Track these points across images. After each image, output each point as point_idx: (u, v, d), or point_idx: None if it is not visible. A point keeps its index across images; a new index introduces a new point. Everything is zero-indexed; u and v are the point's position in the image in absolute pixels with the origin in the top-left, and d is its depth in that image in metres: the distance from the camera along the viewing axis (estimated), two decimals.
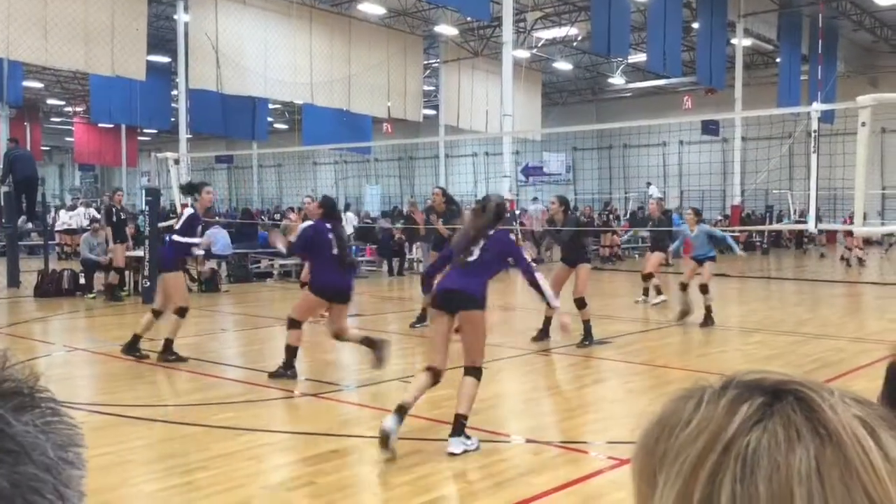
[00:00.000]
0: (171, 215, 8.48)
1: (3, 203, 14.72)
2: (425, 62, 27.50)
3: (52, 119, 40.67)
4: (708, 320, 10.31)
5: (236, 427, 5.49)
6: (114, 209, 14.15)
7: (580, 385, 7.36)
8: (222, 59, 19.72)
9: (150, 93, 24.65)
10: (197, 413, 5.94)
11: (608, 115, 33.70)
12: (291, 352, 7.11)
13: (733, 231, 17.16)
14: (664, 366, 7.82)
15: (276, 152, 33.48)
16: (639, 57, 25.60)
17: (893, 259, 24.00)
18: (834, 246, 27.86)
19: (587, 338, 8.81)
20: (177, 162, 14.04)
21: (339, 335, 7.25)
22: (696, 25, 23.90)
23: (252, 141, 29.39)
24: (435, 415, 5.57)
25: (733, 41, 25.76)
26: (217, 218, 19.60)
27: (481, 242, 5.28)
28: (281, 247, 7.68)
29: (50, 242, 16.01)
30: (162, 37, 24.46)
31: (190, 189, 8.68)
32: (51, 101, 37.76)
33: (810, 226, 8.73)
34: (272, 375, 7.07)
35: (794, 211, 27.15)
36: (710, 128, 25.53)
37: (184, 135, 20.89)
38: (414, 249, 19.22)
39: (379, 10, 24.21)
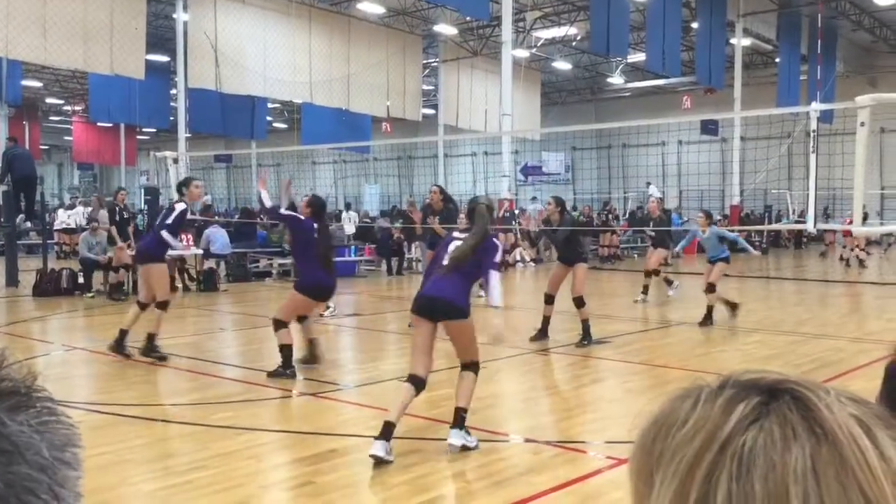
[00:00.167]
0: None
1: (1, 202, 14.71)
2: (424, 61, 27.50)
3: (51, 118, 40.64)
4: (707, 320, 10.32)
5: (235, 426, 5.49)
6: (117, 208, 14.12)
7: (579, 385, 7.36)
8: (221, 58, 19.72)
9: (149, 92, 24.64)
10: (196, 412, 5.94)
11: (607, 115, 33.70)
12: (287, 350, 7.14)
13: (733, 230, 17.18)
14: (663, 365, 7.82)
15: (275, 151, 33.45)
16: (638, 57, 25.61)
17: (892, 259, 24.01)
18: (834, 246, 27.85)
19: (586, 337, 8.81)
20: (176, 161, 14.05)
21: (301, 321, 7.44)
22: (695, 25, 23.91)
23: (251, 140, 29.38)
24: (434, 414, 5.57)
25: (732, 41, 25.77)
26: (216, 217, 19.58)
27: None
28: (264, 194, 7.66)
29: (49, 242, 15.97)
30: (161, 36, 24.44)
31: (179, 186, 8.70)
32: (50, 100, 37.74)
33: (809, 226, 8.74)
34: (271, 375, 7.09)
35: (793, 211, 27.17)
36: (709, 127, 25.55)
37: (183, 134, 20.88)
38: (413, 249, 19.21)
39: (378, 10, 24.21)
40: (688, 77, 27.11)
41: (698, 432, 0.53)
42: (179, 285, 14.72)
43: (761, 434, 0.51)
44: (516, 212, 21.86)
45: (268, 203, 7.61)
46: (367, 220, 23.80)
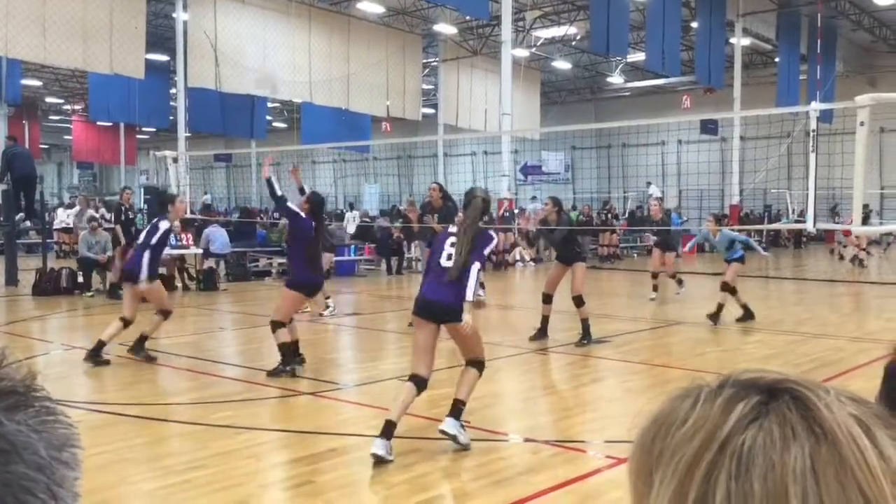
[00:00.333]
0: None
1: (1, 201, 14.71)
2: (424, 61, 27.49)
3: (51, 117, 40.63)
4: (715, 318, 10.32)
5: (235, 425, 5.49)
6: (123, 208, 14.10)
7: (578, 384, 7.36)
8: (221, 57, 19.71)
9: (149, 91, 24.63)
10: (195, 411, 5.94)
11: (607, 115, 33.69)
12: (285, 348, 7.18)
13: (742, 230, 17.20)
14: (662, 365, 7.82)
15: (274, 151, 33.40)
16: (638, 56, 25.61)
17: (892, 258, 24.01)
18: (833, 245, 27.83)
19: (585, 336, 8.81)
20: (175, 160, 14.06)
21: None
22: (694, 25, 23.91)
23: (251, 139, 29.38)
24: (433, 413, 5.56)
25: (732, 40, 25.77)
26: (219, 217, 19.59)
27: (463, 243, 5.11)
28: (273, 181, 7.62)
29: (48, 241, 15.97)
30: (161, 35, 24.44)
31: (162, 203, 8.66)
32: (49, 100, 37.72)
33: (809, 225, 8.74)
34: (271, 374, 7.11)
35: (793, 210, 27.18)
36: (708, 127, 25.54)
37: (182, 133, 20.87)
38: (412, 248, 19.22)
39: (378, 9, 24.20)
40: (687, 77, 27.10)
41: (698, 431, 0.53)
42: (179, 285, 14.73)
43: (760, 433, 0.51)
44: (515, 211, 21.86)
45: (278, 192, 7.63)
46: (367, 220, 23.80)
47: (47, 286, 13.58)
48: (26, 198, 15.01)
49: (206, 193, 34.10)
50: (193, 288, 14.95)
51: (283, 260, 16.97)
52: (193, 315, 11.91)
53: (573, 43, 28.68)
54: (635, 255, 25.70)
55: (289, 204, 7.62)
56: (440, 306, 5.00)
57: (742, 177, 26.10)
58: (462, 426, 4.92)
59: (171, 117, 24.97)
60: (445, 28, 26.17)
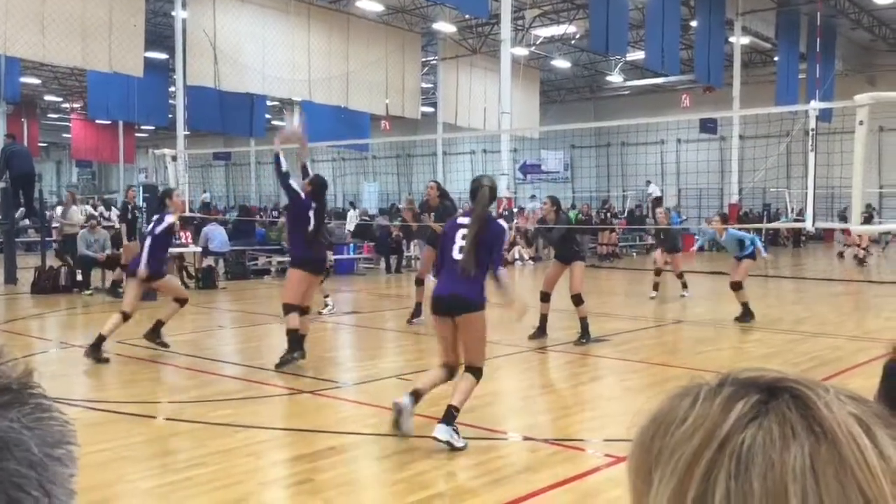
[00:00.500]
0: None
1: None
2: (423, 59, 27.47)
3: (50, 115, 40.58)
4: (744, 317, 10.33)
5: (234, 424, 5.49)
6: (128, 206, 14.09)
7: (577, 383, 7.36)
8: (220, 55, 19.69)
9: (148, 89, 24.60)
10: (194, 410, 5.94)
11: (606, 113, 33.67)
12: (293, 334, 7.27)
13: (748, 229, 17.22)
14: (661, 363, 7.83)
15: (273, 149, 33.37)
16: (637, 55, 25.60)
17: (890, 257, 24.02)
18: (832, 244, 27.85)
19: (584, 335, 8.81)
20: (174, 158, 14.06)
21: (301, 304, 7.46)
22: (694, 23, 23.89)
23: (250, 138, 29.34)
24: (432, 412, 5.56)
25: (731, 39, 25.76)
26: (218, 215, 19.58)
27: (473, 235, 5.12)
28: (281, 157, 7.76)
29: (47, 239, 15.97)
30: (160, 33, 24.42)
31: (162, 197, 8.77)
32: (48, 98, 37.68)
33: (808, 224, 8.75)
34: (279, 364, 7.21)
35: (792, 209, 27.19)
36: (707, 126, 25.54)
37: (181, 131, 20.84)
38: (412, 247, 19.22)
39: (377, 7, 24.19)
40: (687, 75, 27.08)
41: (697, 430, 0.53)
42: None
43: (760, 432, 0.51)
44: (514, 210, 21.86)
45: (284, 167, 7.75)
46: (366, 218, 23.79)
47: (46, 284, 13.58)
48: (25, 196, 15.00)
49: (205, 192, 34.13)
50: (192, 286, 14.94)
51: (283, 258, 16.99)
52: (192, 313, 11.88)
53: (572, 42, 28.66)
54: (634, 253, 25.71)
55: (291, 181, 7.67)
56: (454, 298, 5.06)
57: (741, 176, 26.11)
58: (455, 430, 4.91)
59: (170, 115, 24.93)
60: (445, 26, 26.15)
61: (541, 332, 9.07)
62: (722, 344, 9.33)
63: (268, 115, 32.03)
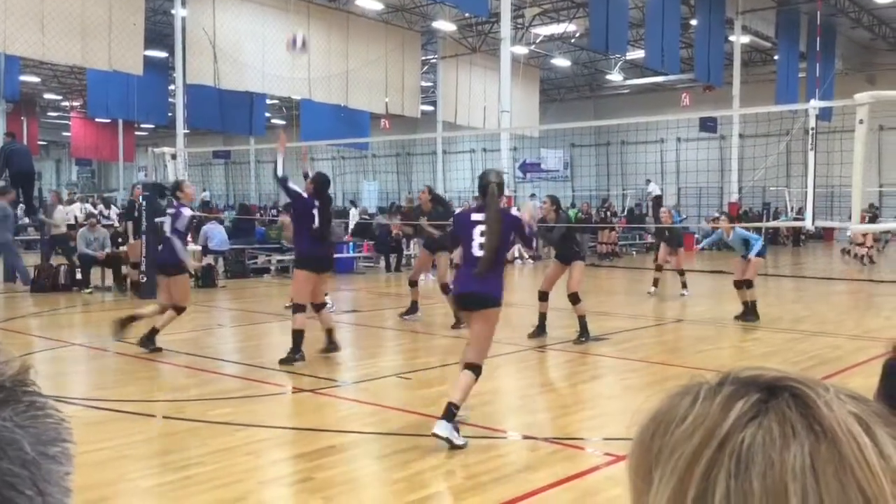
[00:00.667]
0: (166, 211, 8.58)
1: None
2: (423, 58, 27.47)
3: (49, 114, 40.57)
4: (750, 315, 10.34)
5: (234, 422, 5.49)
6: (135, 204, 14.09)
7: (577, 381, 7.37)
8: (219, 54, 19.70)
9: (148, 88, 24.61)
10: (194, 408, 5.94)
11: (606, 112, 33.67)
12: (298, 336, 7.38)
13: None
14: (661, 362, 7.83)
15: (273, 148, 33.41)
16: (637, 54, 25.60)
17: (890, 256, 24.02)
18: (832, 243, 27.86)
19: (583, 334, 8.81)
20: (174, 157, 14.05)
21: (313, 301, 7.58)
22: (694, 22, 23.90)
23: (249, 136, 29.34)
24: (432, 411, 5.56)
25: (731, 38, 25.76)
26: (218, 214, 19.58)
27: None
28: (280, 161, 7.85)
29: (46, 237, 15.97)
30: (159, 32, 24.41)
31: (173, 190, 8.79)
32: (48, 96, 37.67)
33: (807, 223, 8.74)
34: (283, 361, 7.33)
35: (791, 208, 27.18)
36: (707, 125, 25.55)
37: (181, 130, 20.84)
38: (411, 245, 19.21)
39: (377, 6, 24.17)
40: (687, 74, 27.08)
41: (697, 429, 0.53)
42: None
43: (760, 431, 0.51)
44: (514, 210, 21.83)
45: (280, 172, 7.80)
46: (366, 217, 23.79)
47: (45, 283, 13.58)
48: (25, 194, 15.00)
49: (204, 190, 34.09)
50: (192, 285, 14.93)
51: (282, 257, 16.99)
52: (192, 312, 11.82)
53: (572, 40, 28.65)
54: (634, 252, 25.71)
55: (289, 184, 7.69)
56: (475, 295, 5.24)
57: (741, 174, 26.11)
58: (455, 428, 4.91)
59: (170, 114, 24.93)
60: (444, 25, 26.15)
61: (540, 330, 9.08)
62: (722, 343, 9.33)
63: (267, 114, 32.06)
